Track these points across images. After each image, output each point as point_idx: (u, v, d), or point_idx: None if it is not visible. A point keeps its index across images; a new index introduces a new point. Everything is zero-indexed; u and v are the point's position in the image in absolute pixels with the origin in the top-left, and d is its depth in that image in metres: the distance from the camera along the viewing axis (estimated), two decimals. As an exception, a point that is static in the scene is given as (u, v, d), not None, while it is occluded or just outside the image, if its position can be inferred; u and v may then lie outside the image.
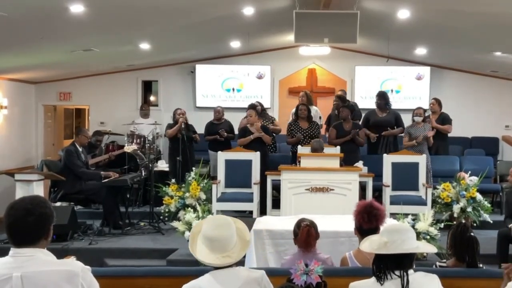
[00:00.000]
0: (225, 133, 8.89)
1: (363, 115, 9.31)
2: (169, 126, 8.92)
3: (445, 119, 8.86)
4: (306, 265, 2.84)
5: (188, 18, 7.49)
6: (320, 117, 9.45)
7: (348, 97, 10.99)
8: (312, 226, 3.97)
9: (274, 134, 8.95)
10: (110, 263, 6.42)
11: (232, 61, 11.39)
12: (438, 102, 9.03)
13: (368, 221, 3.59)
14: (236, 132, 9.19)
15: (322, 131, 9.17)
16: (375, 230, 3.51)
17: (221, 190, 7.71)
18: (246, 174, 7.68)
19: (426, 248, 3.15)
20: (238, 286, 2.68)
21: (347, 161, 7.44)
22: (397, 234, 2.75)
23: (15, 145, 10.40)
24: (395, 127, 8.67)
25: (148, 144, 9.00)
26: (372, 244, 2.84)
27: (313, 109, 9.19)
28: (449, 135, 9.15)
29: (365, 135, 8.63)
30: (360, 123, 8.97)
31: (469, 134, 10.96)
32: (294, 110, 8.94)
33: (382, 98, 8.89)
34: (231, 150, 8.09)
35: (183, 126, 8.69)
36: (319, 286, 2.82)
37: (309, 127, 8.44)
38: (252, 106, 8.75)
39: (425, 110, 8.59)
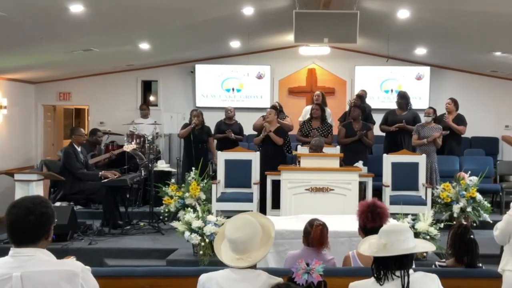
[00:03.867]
0: (233, 134, 8.90)
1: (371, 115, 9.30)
2: (184, 126, 8.94)
3: (460, 120, 8.73)
4: (308, 264, 2.84)
5: (188, 18, 7.49)
6: (331, 119, 9.39)
7: (348, 97, 11.02)
8: (324, 226, 4.01)
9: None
10: (110, 263, 6.42)
11: (232, 61, 11.39)
12: (454, 102, 8.84)
13: (372, 220, 3.61)
14: (245, 133, 9.27)
15: (335, 130, 9.12)
16: (378, 229, 3.50)
17: (221, 190, 7.71)
18: (246, 174, 7.68)
19: (425, 246, 3.14)
20: (256, 287, 2.67)
21: (354, 161, 7.45)
22: (396, 235, 2.74)
23: (15, 145, 10.40)
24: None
25: (148, 144, 9.00)
26: (371, 247, 2.83)
27: (327, 111, 9.13)
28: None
29: (385, 131, 8.62)
30: (379, 122, 8.96)
31: (469, 134, 10.91)
32: (308, 107, 8.94)
33: (403, 98, 8.86)
34: (231, 150, 8.09)
35: (197, 126, 8.71)
36: (320, 285, 2.83)
37: (320, 127, 8.42)
38: (273, 106, 8.82)
39: (435, 111, 8.49)
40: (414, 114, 8.79)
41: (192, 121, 8.75)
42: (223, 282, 2.69)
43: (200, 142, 8.76)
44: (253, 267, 2.76)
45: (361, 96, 9.45)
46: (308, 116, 8.83)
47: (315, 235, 3.94)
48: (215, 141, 9.20)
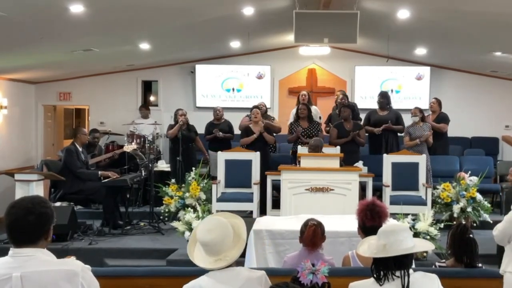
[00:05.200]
0: (221, 133, 8.90)
1: (362, 115, 9.30)
2: (170, 127, 8.92)
3: (442, 119, 8.85)
4: (313, 265, 2.85)
5: (188, 18, 7.49)
6: (320, 117, 9.44)
7: (349, 98, 11.02)
8: (319, 226, 4.00)
9: (274, 134, 8.94)
10: (110, 263, 6.42)
11: (232, 61, 11.39)
12: (438, 102, 9.04)
13: (371, 218, 3.61)
14: (236, 132, 9.19)
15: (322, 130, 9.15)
16: (377, 228, 3.52)
17: (221, 190, 7.71)
18: (246, 174, 7.68)
19: (424, 245, 3.14)
20: (239, 285, 2.67)
21: (347, 161, 7.43)
22: (394, 235, 2.74)
23: (15, 145, 10.40)
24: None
25: (148, 144, 9.00)
26: (370, 248, 2.83)
27: (313, 108, 9.19)
28: (449, 135, 9.14)
29: (369, 132, 8.60)
30: (361, 122, 8.98)
31: (469, 134, 10.95)
32: (294, 110, 8.95)
33: (384, 97, 8.90)
34: (231, 150, 8.09)
35: (183, 127, 8.70)
36: (324, 286, 2.84)
37: (309, 127, 8.43)
38: (257, 106, 8.82)
39: (421, 110, 8.56)
40: (396, 114, 8.81)
41: (178, 120, 8.74)
42: (207, 286, 2.68)
43: (190, 142, 8.79)
44: (233, 265, 2.76)
45: (346, 94, 9.48)
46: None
47: (308, 235, 3.96)
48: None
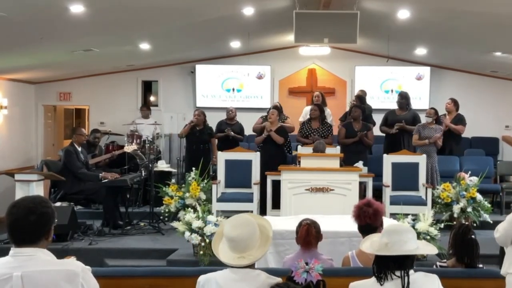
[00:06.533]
0: (232, 132, 8.89)
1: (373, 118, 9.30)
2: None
3: (459, 120, 8.72)
4: (307, 263, 2.85)
5: (188, 18, 7.50)
6: (331, 119, 9.39)
7: (348, 97, 11.04)
8: (312, 225, 4.01)
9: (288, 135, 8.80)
10: (110, 263, 6.42)
11: (232, 61, 11.39)
12: (454, 102, 8.85)
13: (357, 217, 3.76)
14: (246, 133, 9.25)
15: (335, 130, 9.11)
16: (365, 227, 3.66)
17: (221, 190, 7.71)
18: (246, 174, 7.68)
19: (427, 249, 3.15)
20: (256, 287, 2.66)
21: (354, 162, 7.46)
22: (398, 235, 2.75)
23: (15, 145, 10.40)
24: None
25: (148, 144, 9.00)
26: (373, 245, 2.84)
27: (326, 111, 9.12)
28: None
29: (385, 132, 8.59)
30: (380, 122, 8.97)
31: (469, 134, 10.92)
32: (308, 108, 8.96)
33: (404, 98, 8.83)
34: (231, 150, 8.08)
35: (199, 127, 8.67)
36: (318, 284, 2.84)
37: (320, 127, 8.42)
38: (275, 107, 8.80)
39: (436, 112, 8.39)
40: (414, 114, 8.77)
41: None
42: (223, 282, 2.68)
43: (202, 143, 8.68)
44: (252, 266, 2.76)
45: (360, 97, 9.47)
46: (308, 116, 8.85)
47: (301, 234, 3.98)
48: (216, 140, 9.18)
